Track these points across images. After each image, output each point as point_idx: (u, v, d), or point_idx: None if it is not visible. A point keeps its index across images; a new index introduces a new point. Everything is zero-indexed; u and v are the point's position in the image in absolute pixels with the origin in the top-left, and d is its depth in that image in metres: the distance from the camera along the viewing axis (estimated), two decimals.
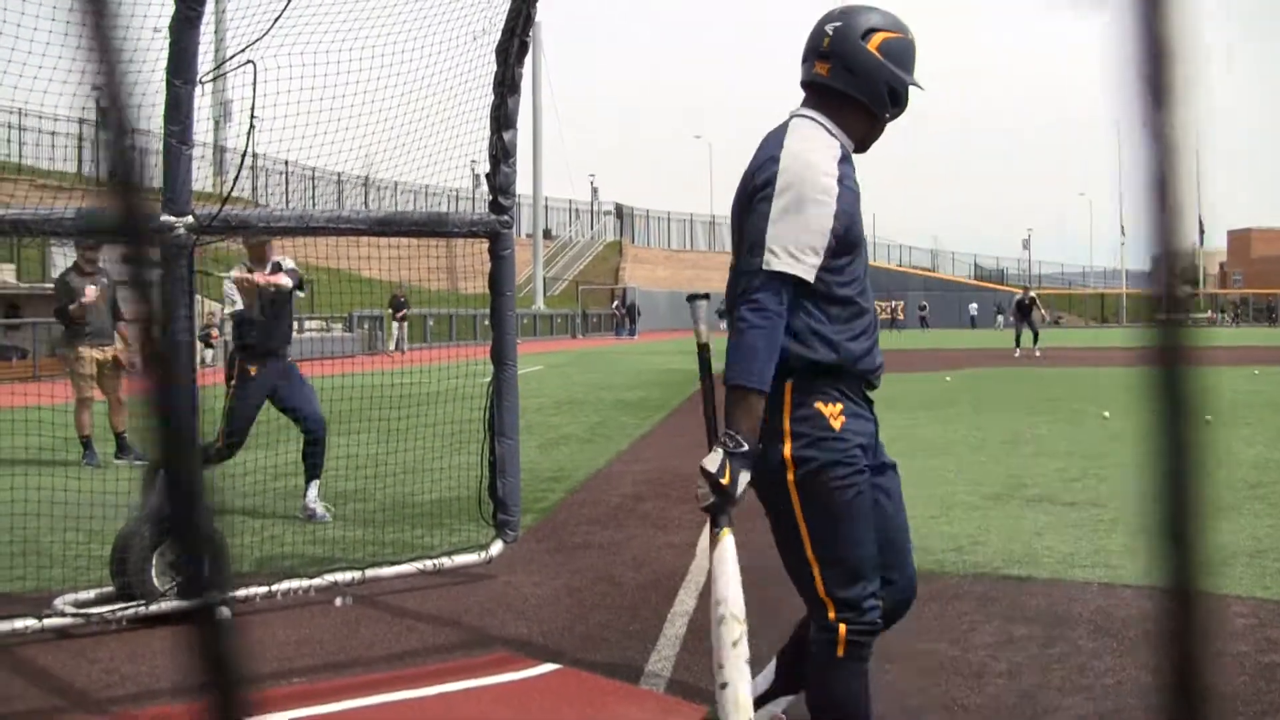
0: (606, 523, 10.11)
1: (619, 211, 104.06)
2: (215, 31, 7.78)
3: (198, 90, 6.90)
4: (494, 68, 7.79)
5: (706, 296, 4.47)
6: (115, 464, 13.25)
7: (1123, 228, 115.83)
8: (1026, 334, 42.95)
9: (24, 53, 6.40)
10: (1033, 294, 43.85)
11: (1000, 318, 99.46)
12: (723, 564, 4.09)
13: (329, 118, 7.38)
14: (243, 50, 6.57)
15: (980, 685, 5.74)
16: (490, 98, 7.91)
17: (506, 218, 8.07)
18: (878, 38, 4.08)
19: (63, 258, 16.96)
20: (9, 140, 45.86)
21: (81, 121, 47.10)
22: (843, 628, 4.04)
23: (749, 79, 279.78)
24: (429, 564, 7.84)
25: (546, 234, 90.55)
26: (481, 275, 8.22)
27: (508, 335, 8.18)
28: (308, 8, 6.73)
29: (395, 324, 49.32)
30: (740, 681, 3.89)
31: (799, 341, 3.99)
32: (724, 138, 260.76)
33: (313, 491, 10.22)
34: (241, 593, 7.18)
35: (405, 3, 7.33)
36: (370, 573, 7.63)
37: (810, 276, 3.92)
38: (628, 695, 5.74)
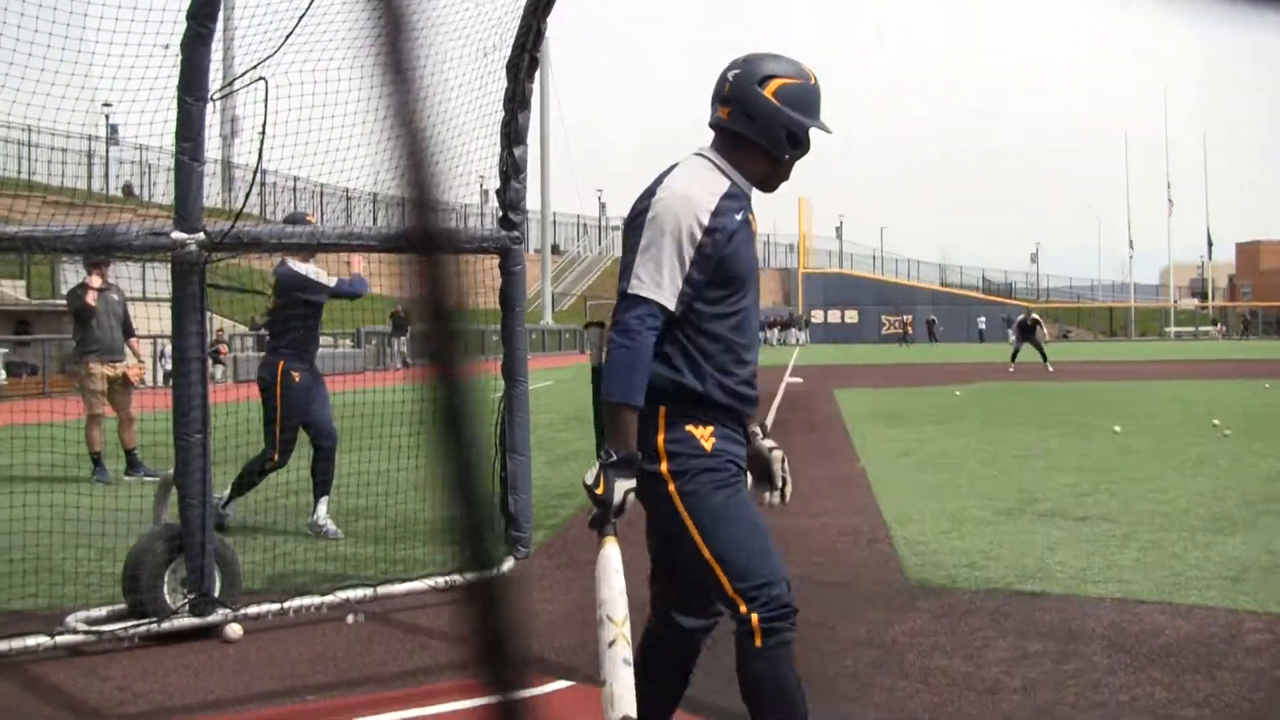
0: (619, 538, 10.06)
1: None
2: (224, 49, 7.79)
3: (209, 107, 6.91)
4: (504, 83, 7.81)
5: (601, 325, 4.53)
6: (126, 480, 13.26)
7: (1131, 241, 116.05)
8: (1028, 351, 42.72)
9: (36, 70, 6.41)
10: (1034, 315, 43.74)
11: (1011, 332, 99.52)
12: (605, 571, 4.19)
13: (338, 134, 7.38)
14: (255, 67, 6.58)
15: (995, 702, 5.72)
16: (500, 113, 7.92)
17: (517, 233, 8.08)
18: (774, 84, 4.27)
19: (74, 274, 16.96)
20: (19, 157, 45.97)
21: (91, 139, 47.27)
22: (754, 617, 4.14)
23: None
24: (441, 581, 7.83)
25: (555, 249, 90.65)
26: (488, 291, 8.21)
27: (519, 351, 8.18)
28: (318, 25, 6.74)
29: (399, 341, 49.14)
30: (615, 680, 3.96)
31: (671, 368, 4.20)
32: None
33: (322, 508, 10.21)
34: (253, 610, 7.17)
35: (415, 19, 7.33)
36: (382, 590, 7.62)
37: (671, 304, 4.12)
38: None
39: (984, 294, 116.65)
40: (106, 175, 52.78)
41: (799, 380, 35.79)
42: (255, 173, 6.86)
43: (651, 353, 4.10)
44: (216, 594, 7.10)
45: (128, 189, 47.09)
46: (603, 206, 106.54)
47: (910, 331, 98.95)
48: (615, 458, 4.11)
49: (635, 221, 4.26)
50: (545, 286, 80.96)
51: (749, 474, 4.42)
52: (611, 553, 4.20)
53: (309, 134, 7.27)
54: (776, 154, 4.31)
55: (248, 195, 7.36)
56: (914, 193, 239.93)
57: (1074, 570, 8.38)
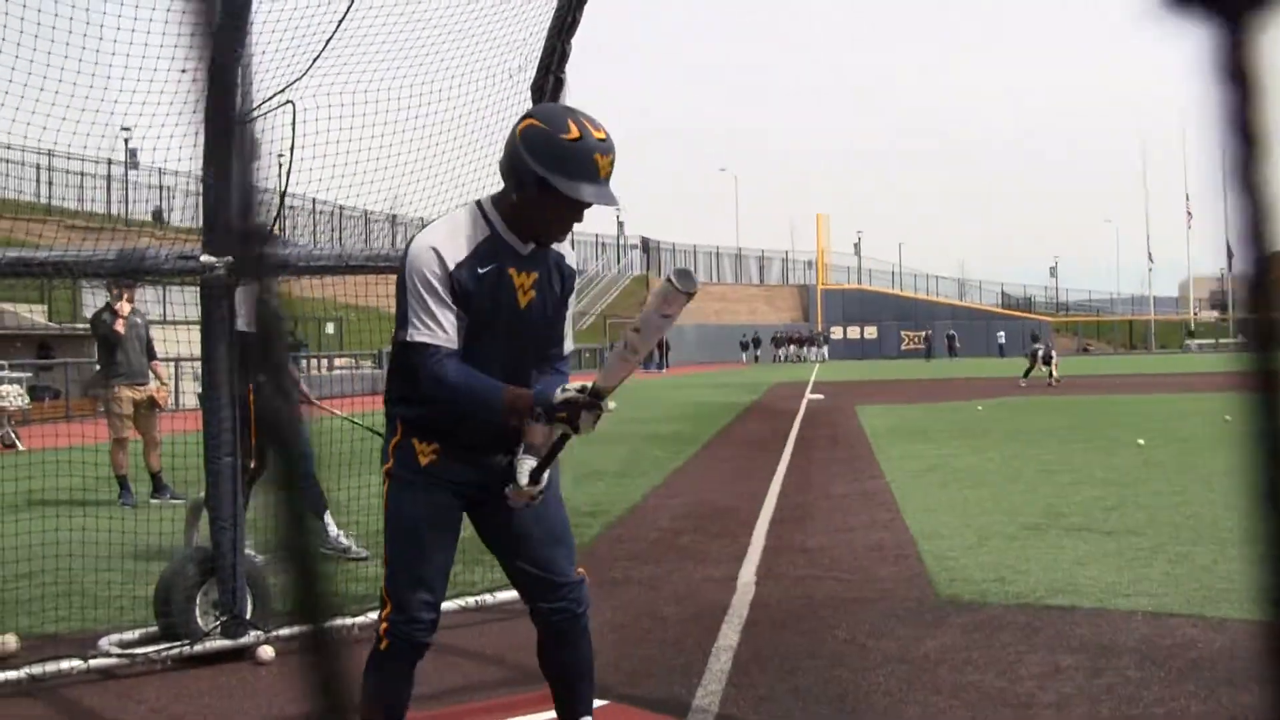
0: (645, 558, 10.09)
1: (645, 245, 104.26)
2: (242, 72, 7.81)
3: (236, 130, 6.93)
4: (528, 104, 7.83)
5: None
6: (151, 503, 13.28)
7: (1150, 254, 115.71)
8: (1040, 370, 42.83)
9: (51, 93, 6.44)
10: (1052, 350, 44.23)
11: (1036, 346, 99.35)
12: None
13: (359, 156, 7.41)
14: (282, 90, 6.61)
15: (1029, 716, 5.70)
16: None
17: None
18: (524, 123, 4.37)
19: (92, 297, 17.03)
20: (39, 180, 46.19)
21: (110, 162, 47.47)
22: (385, 625, 4.46)
23: (774, 111, 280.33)
24: (470, 601, 7.83)
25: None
26: None
27: None
28: (345, 47, 6.77)
29: None
30: None
31: (410, 386, 4.46)
32: (749, 170, 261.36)
33: (331, 525, 10.23)
34: (285, 631, 7.18)
35: (440, 41, 7.37)
36: None
37: (451, 343, 4.35)
38: None
39: (1003, 308, 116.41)
40: (126, 200, 52.95)
41: (820, 396, 35.77)
42: (282, 195, 6.88)
43: (464, 369, 4.33)
44: (249, 616, 7.11)
45: (157, 214, 47.16)
46: (620, 225, 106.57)
47: (934, 346, 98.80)
48: (542, 414, 4.33)
49: (401, 275, 4.45)
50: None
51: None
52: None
53: (331, 156, 7.30)
54: (517, 196, 4.34)
55: (276, 218, 7.37)
56: (932, 208, 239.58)
57: (1104, 584, 8.36)
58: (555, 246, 4.56)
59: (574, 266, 4.72)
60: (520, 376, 4.49)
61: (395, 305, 4.48)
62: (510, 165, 4.31)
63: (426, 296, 4.30)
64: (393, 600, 4.46)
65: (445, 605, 7.65)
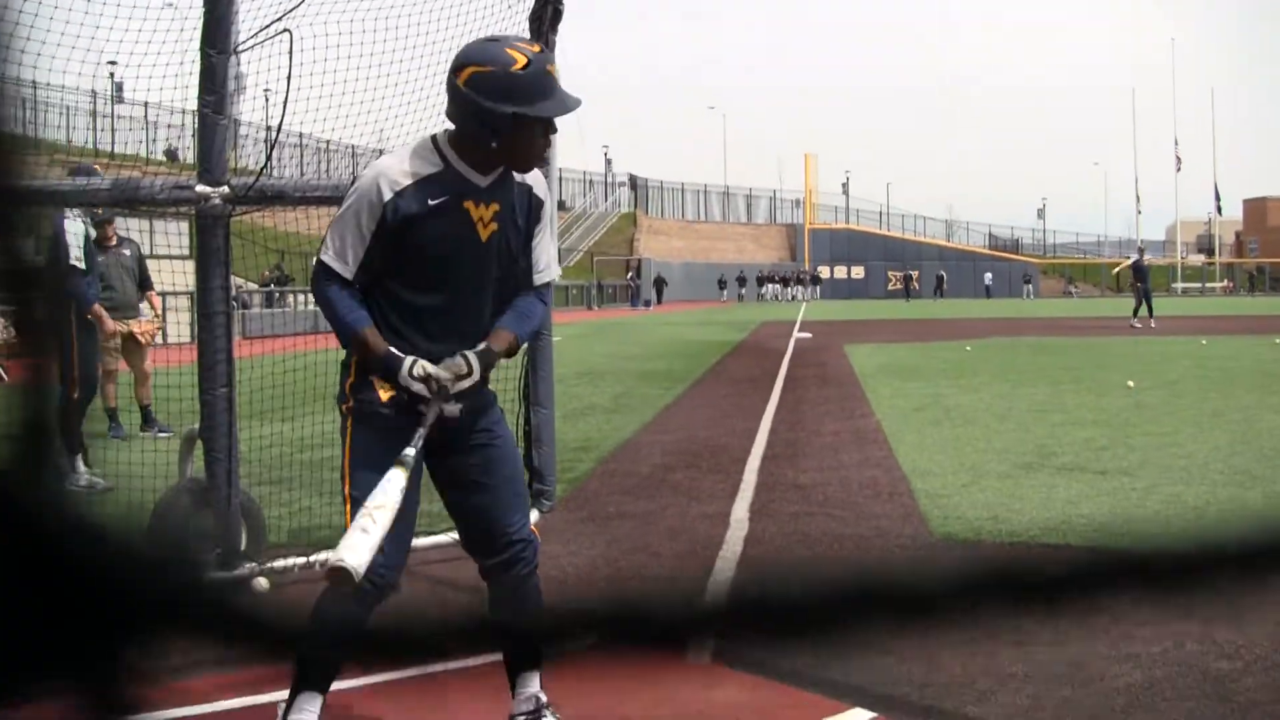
0: (639, 493, 10.10)
1: (633, 183, 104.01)
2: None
3: (231, 60, 6.86)
4: (526, 35, 7.75)
5: None
6: (140, 436, 13.23)
7: (1138, 196, 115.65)
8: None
9: (42, 29, 6.35)
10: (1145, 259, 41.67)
11: (1029, 287, 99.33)
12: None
13: (350, 90, 7.33)
14: (280, 19, 6.52)
15: (1026, 653, 5.71)
16: None
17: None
18: (466, 73, 4.31)
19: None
20: (25, 119, 45.87)
21: (94, 94, 47.16)
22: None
23: (762, 49, 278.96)
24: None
25: (561, 205, 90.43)
26: None
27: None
28: None
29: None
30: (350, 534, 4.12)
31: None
32: (738, 108, 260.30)
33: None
34: (279, 563, 7.17)
35: None
36: None
37: (346, 273, 4.41)
38: (673, 666, 5.72)
39: (991, 250, 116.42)
40: (113, 132, 52.68)
41: (808, 335, 35.79)
42: (278, 127, 6.81)
43: (344, 298, 4.41)
44: (242, 548, 7.10)
45: (171, 154, 46.75)
46: (609, 162, 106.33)
47: (918, 286, 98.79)
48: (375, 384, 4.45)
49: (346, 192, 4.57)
50: (552, 242, 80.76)
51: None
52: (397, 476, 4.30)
53: (321, 89, 7.22)
54: (478, 142, 4.35)
55: (270, 149, 7.31)
56: (920, 148, 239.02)
57: (1096, 523, 8.38)
58: (523, 177, 4.56)
59: (544, 196, 4.71)
60: (485, 309, 4.55)
61: None
62: (473, 117, 4.29)
63: (348, 223, 4.38)
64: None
65: (439, 539, 7.69)
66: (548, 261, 4.80)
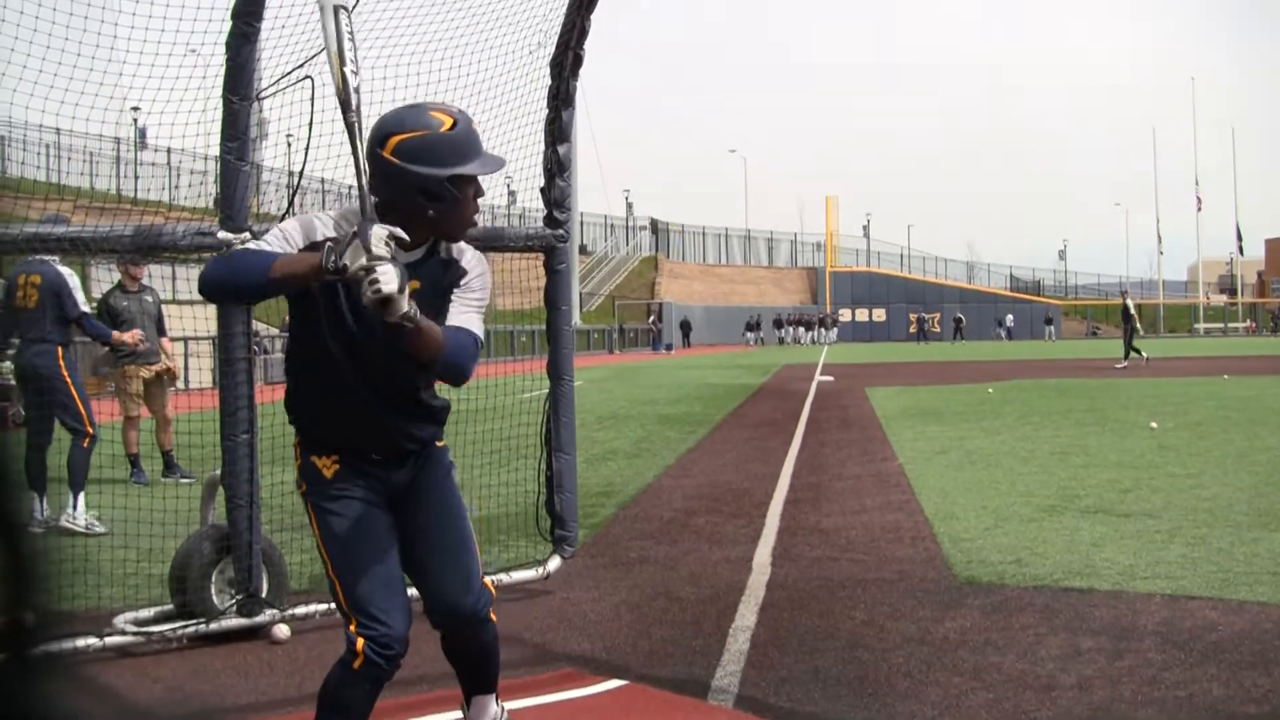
0: (660, 538, 10.07)
1: (654, 226, 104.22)
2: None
3: (253, 107, 6.90)
4: (548, 80, 7.79)
5: None
6: (163, 482, 13.27)
7: (1160, 236, 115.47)
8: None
9: (64, 72, 6.39)
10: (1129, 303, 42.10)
11: (1050, 329, 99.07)
12: None
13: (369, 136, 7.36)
14: (301, 66, 6.56)
15: (1051, 699, 5.68)
16: (543, 111, 7.89)
17: (562, 231, 8.08)
18: (392, 142, 4.15)
19: (108, 273, 16.97)
20: (49, 164, 46.09)
21: (118, 141, 47.44)
22: (360, 640, 4.21)
23: (781, 92, 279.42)
24: (486, 580, 7.79)
25: (582, 249, 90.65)
26: (514, 291, 8.19)
27: (564, 350, 8.19)
28: (365, 22, 6.71)
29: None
30: None
31: (296, 397, 4.49)
32: (758, 151, 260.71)
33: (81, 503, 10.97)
34: (301, 610, 7.17)
35: (457, 18, 7.31)
36: None
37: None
38: (698, 710, 5.71)
39: (1012, 291, 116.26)
40: (136, 179, 53.00)
41: (830, 378, 35.75)
42: (300, 173, 6.83)
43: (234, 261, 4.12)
44: (264, 594, 7.10)
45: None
46: (630, 206, 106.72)
47: (938, 329, 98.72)
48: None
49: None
50: (573, 286, 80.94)
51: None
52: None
53: (335, 136, 7.24)
54: (413, 215, 4.16)
55: (292, 195, 7.35)
56: (942, 190, 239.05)
57: (1121, 567, 8.32)
58: (450, 249, 4.41)
59: (470, 266, 4.45)
60: (411, 378, 4.40)
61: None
62: (407, 187, 4.13)
63: (274, 234, 4.14)
64: (354, 611, 4.25)
65: None
66: (455, 317, 4.35)
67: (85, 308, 11.21)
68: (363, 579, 4.28)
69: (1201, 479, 12.42)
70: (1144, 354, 40.82)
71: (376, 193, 4.16)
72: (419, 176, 4.12)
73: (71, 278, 11.05)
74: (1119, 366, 39.61)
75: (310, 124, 6.60)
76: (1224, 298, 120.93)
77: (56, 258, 10.89)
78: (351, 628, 4.23)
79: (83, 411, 11.04)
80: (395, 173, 4.13)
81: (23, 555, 1.06)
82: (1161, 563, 8.41)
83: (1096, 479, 12.66)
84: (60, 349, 11.11)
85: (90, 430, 11.04)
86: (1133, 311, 40.87)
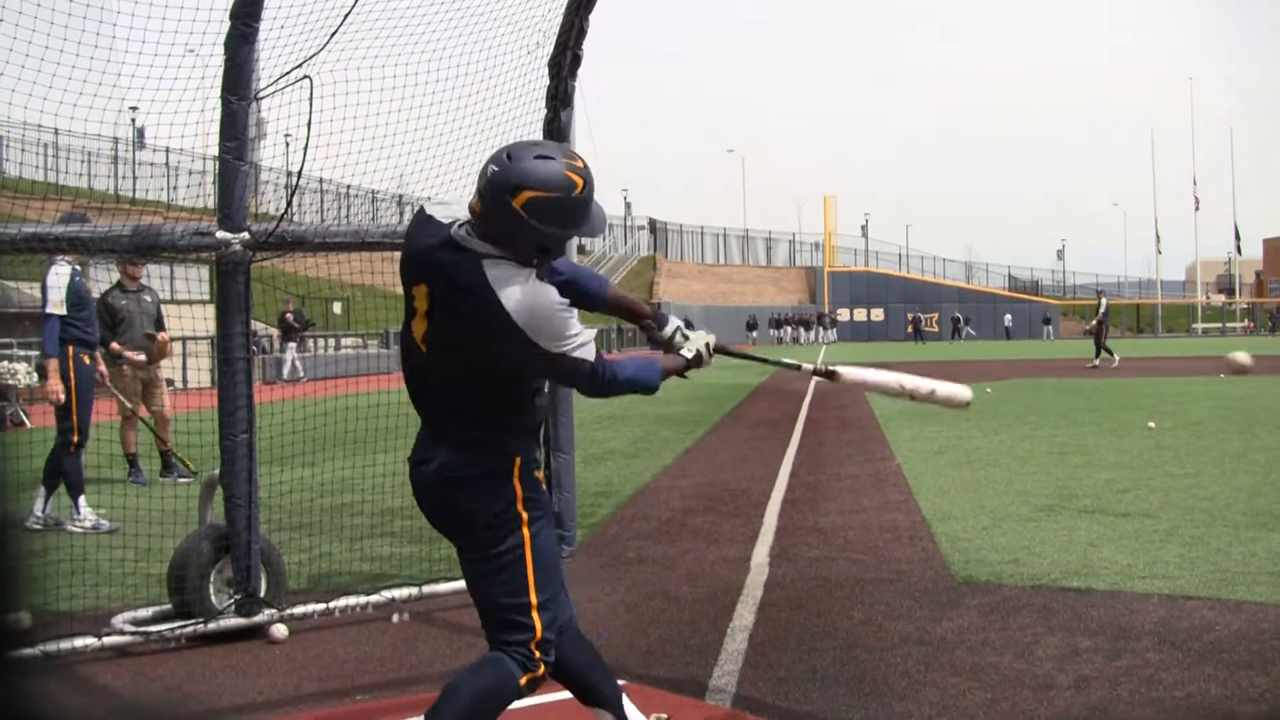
0: (658, 538, 10.08)
1: (652, 226, 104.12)
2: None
3: (252, 107, 6.91)
4: (546, 81, 7.79)
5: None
6: (160, 482, 13.26)
7: (1158, 236, 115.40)
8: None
9: (61, 71, 6.39)
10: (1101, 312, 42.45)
11: (1048, 328, 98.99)
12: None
13: (371, 136, 7.36)
14: (299, 65, 6.56)
15: (1049, 698, 5.69)
16: (541, 111, 7.90)
17: None
18: (524, 197, 4.10)
19: (107, 273, 16.97)
20: (47, 163, 46.09)
21: (116, 140, 47.40)
22: (536, 651, 4.40)
23: (780, 92, 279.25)
24: None
25: (581, 249, 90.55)
26: None
27: None
28: (364, 23, 6.73)
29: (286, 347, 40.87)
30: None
31: (510, 410, 4.49)
32: (756, 151, 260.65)
33: (83, 502, 10.81)
34: (299, 610, 7.18)
35: (457, 18, 7.31)
36: (427, 589, 7.61)
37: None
38: (696, 710, 5.71)
39: (1010, 291, 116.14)
40: (134, 179, 52.97)
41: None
42: (299, 173, 6.83)
43: (620, 362, 4.66)
44: (263, 594, 7.10)
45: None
46: (628, 206, 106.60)
47: (936, 329, 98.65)
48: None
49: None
50: None
51: None
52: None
53: (341, 135, 7.26)
54: (520, 255, 4.20)
55: (291, 194, 7.36)
56: (940, 190, 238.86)
57: (1119, 566, 8.33)
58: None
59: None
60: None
61: (459, 321, 4.24)
62: (524, 237, 4.15)
63: (566, 312, 4.24)
64: (546, 627, 4.40)
65: (459, 584, 7.62)
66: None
67: (56, 309, 10.89)
68: (558, 603, 4.49)
69: (1199, 479, 12.43)
70: (1115, 355, 41.16)
71: (487, 226, 4.17)
72: (542, 234, 4.17)
73: (60, 276, 10.85)
74: (1090, 366, 39.92)
75: (309, 124, 6.62)
76: (1222, 297, 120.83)
77: (70, 257, 10.79)
78: (534, 647, 4.39)
79: (74, 417, 10.85)
80: (519, 225, 4.13)
81: (12, 555, 1.05)
82: (1159, 562, 8.42)
83: (1094, 479, 12.66)
84: (71, 347, 10.94)
85: (76, 439, 10.84)
86: (1102, 311, 41.22)
